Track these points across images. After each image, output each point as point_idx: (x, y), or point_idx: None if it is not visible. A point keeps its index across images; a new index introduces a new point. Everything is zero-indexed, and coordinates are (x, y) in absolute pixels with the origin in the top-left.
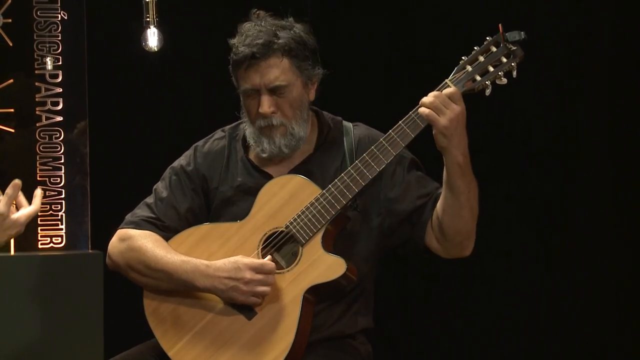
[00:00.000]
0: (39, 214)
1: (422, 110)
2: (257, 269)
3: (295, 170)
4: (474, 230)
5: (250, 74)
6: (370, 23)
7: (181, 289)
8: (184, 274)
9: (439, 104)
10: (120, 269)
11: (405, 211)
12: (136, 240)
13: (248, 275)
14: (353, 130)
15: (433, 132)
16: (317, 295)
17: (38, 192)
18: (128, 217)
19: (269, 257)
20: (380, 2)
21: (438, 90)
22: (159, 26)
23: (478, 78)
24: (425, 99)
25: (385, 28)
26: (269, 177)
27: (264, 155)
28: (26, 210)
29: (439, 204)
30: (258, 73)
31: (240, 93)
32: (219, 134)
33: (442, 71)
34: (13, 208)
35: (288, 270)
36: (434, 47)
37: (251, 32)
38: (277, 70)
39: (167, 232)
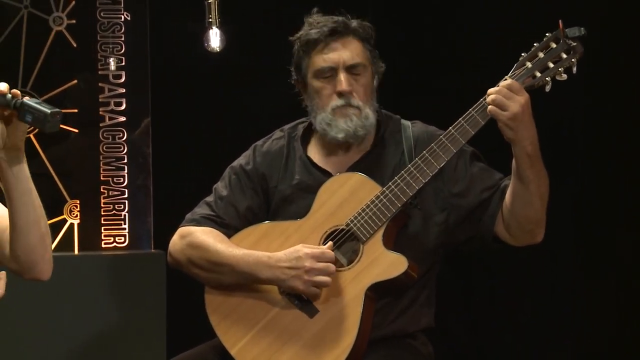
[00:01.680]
0: (102, 213)
1: (487, 107)
2: (317, 257)
3: (353, 168)
4: (544, 217)
5: (328, 52)
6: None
7: (243, 282)
8: (246, 266)
9: (501, 98)
10: (182, 266)
11: (471, 205)
12: (197, 237)
13: (309, 263)
14: (411, 127)
15: (499, 126)
16: (378, 293)
17: (2, 275)
18: (188, 215)
19: (329, 244)
20: (432, 2)
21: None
22: (221, 27)
23: (538, 74)
24: (488, 96)
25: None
26: (328, 175)
27: (340, 136)
28: None
29: (508, 194)
30: (337, 51)
31: (311, 77)
32: (277, 133)
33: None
34: None
35: (349, 268)
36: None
37: (322, 18)
38: (355, 50)
39: (226, 229)
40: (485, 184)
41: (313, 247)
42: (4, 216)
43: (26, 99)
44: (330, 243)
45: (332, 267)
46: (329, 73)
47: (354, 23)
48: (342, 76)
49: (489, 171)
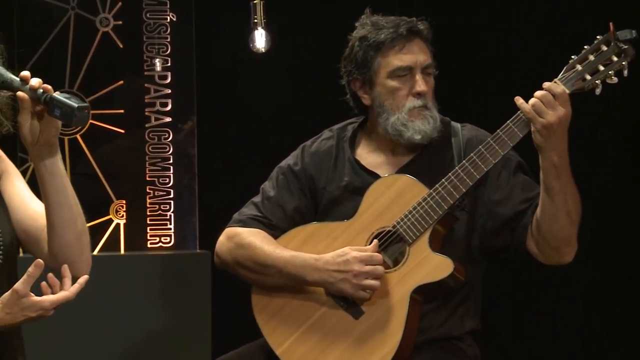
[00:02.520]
0: (148, 213)
1: (524, 106)
2: (365, 261)
3: (402, 170)
4: (573, 237)
5: (406, 52)
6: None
7: (290, 283)
8: (293, 268)
9: (542, 105)
10: (229, 267)
11: (506, 215)
12: (244, 238)
13: (357, 267)
14: (461, 130)
15: (531, 129)
16: (424, 296)
17: (82, 280)
18: (235, 216)
19: (375, 242)
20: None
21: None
22: (266, 27)
23: (588, 77)
24: (532, 98)
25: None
26: (376, 177)
27: (417, 137)
28: (53, 296)
29: (538, 207)
30: (414, 51)
31: (384, 77)
32: (326, 134)
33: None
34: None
35: (395, 270)
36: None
37: (388, 19)
38: (427, 51)
39: (274, 230)
40: (524, 196)
41: (361, 250)
42: (44, 215)
43: (56, 94)
44: (375, 241)
45: (380, 269)
46: (406, 73)
47: (420, 24)
48: (420, 77)
49: (530, 184)
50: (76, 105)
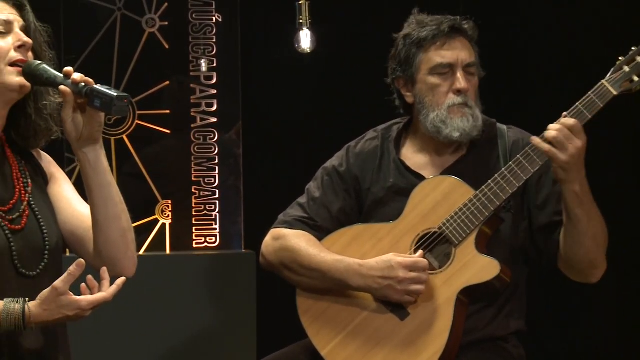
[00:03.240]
0: (194, 213)
1: (542, 145)
2: (410, 267)
3: (447, 172)
4: (599, 259)
5: (447, 49)
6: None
7: (334, 288)
8: (337, 273)
9: (562, 139)
10: (274, 268)
11: (542, 222)
12: (289, 240)
13: (401, 274)
14: (507, 132)
15: (552, 166)
16: (470, 297)
17: (120, 282)
18: (281, 217)
19: (420, 252)
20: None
21: (594, 92)
22: (312, 28)
23: (636, 79)
24: (548, 133)
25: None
26: (421, 178)
27: (456, 135)
28: (91, 296)
29: (561, 232)
30: (456, 49)
31: (424, 73)
32: (371, 134)
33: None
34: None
35: (441, 271)
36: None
37: (432, 18)
38: (470, 50)
39: (319, 231)
40: (559, 208)
41: (405, 256)
42: (90, 217)
43: (97, 85)
44: (420, 251)
45: (424, 276)
46: (446, 71)
47: (465, 23)
48: (460, 74)
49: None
50: (115, 94)
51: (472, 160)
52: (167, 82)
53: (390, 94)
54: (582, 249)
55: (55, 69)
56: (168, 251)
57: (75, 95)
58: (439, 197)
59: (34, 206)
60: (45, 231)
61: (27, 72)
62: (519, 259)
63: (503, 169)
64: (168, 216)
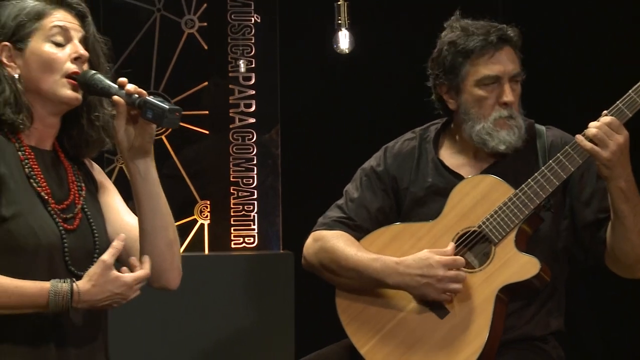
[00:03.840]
0: (232, 213)
1: (585, 143)
2: (448, 265)
3: (486, 171)
4: None
5: (495, 62)
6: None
7: (372, 286)
8: (373, 272)
9: (603, 135)
10: (315, 269)
11: (587, 219)
12: (328, 241)
13: (440, 272)
14: (546, 132)
15: (596, 163)
16: (509, 295)
17: (146, 258)
18: (320, 219)
19: (452, 245)
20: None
21: (635, 90)
22: (350, 28)
23: None
24: (589, 130)
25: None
26: (460, 178)
27: (502, 147)
28: (135, 273)
29: (608, 228)
30: (502, 60)
31: (471, 85)
32: (409, 135)
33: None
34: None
35: (481, 270)
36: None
37: (478, 25)
38: (516, 60)
39: (358, 231)
40: (603, 205)
41: (443, 254)
42: (137, 227)
43: (149, 97)
44: (453, 245)
45: (462, 274)
46: (492, 83)
47: (510, 31)
48: (507, 87)
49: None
50: (167, 107)
51: (510, 161)
52: (206, 83)
53: (429, 96)
54: (629, 245)
55: (111, 80)
56: (206, 251)
57: (128, 106)
58: (478, 196)
59: (86, 210)
60: (96, 234)
61: (82, 81)
62: (560, 258)
63: (543, 168)
64: (206, 217)
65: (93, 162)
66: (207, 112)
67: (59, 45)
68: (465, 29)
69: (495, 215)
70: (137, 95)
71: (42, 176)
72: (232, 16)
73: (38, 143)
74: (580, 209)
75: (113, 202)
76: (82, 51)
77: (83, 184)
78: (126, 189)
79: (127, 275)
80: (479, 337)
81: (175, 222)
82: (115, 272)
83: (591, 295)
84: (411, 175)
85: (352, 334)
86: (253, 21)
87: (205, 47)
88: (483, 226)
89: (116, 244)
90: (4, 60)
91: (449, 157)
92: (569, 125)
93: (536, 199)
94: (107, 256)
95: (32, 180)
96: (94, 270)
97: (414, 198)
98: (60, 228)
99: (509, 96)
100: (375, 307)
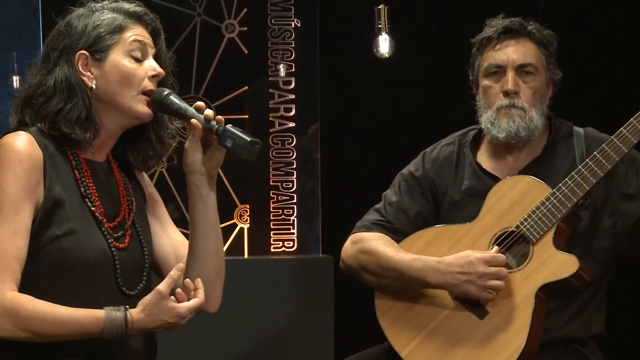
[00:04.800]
0: (272, 217)
1: None
2: (489, 262)
3: (523, 172)
4: None
5: (500, 50)
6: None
7: (413, 286)
8: (414, 271)
9: None
10: (354, 272)
11: (636, 215)
12: (367, 242)
13: (481, 268)
14: (584, 134)
15: None
16: (549, 295)
17: (200, 283)
18: (358, 223)
19: (496, 248)
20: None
21: None
22: (390, 33)
23: None
24: None
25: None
26: (497, 180)
27: (501, 136)
28: (189, 303)
29: None
30: (508, 49)
31: (481, 75)
32: (447, 140)
33: None
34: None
35: (519, 270)
36: None
37: (500, 20)
38: (528, 51)
39: (396, 234)
40: None
41: (483, 252)
42: (183, 244)
43: (229, 126)
44: (497, 248)
45: (504, 271)
46: (498, 72)
47: (531, 26)
48: (510, 75)
49: None
50: (249, 139)
51: (547, 162)
52: (246, 87)
53: (470, 100)
54: None
55: (183, 101)
56: (246, 255)
57: (204, 130)
58: (515, 196)
59: (137, 225)
60: (146, 251)
61: (157, 99)
62: (601, 259)
63: (580, 166)
64: (246, 220)
65: (144, 174)
66: (246, 116)
67: (137, 60)
68: (489, 24)
69: (533, 215)
70: (214, 122)
71: (96, 195)
72: (273, 20)
73: (94, 155)
74: (629, 207)
75: (160, 216)
76: (160, 70)
77: (133, 198)
78: (165, 194)
79: (181, 306)
80: (519, 336)
81: None
82: (169, 303)
83: (633, 299)
84: (449, 180)
85: (392, 337)
86: (293, 25)
87: (245, 52)
88: (521, 226)
89: (173, 274)
90: (80, 68)
91: (486, 160)
92: (607, 127)
93: (573, 197)
94: (163, 286)
95: (87, 200)
96: (148, 299)
97: (451, 201)
98: (112, 247)
99: (509, 84)
100: (414, 310)
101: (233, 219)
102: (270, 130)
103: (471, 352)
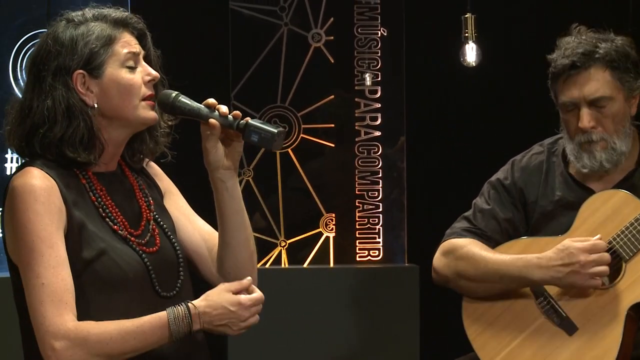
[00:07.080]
0: (357, 226)
1: None
2: (590, 250)
3: (617, 186)
4: None
5: (569, 87)
6: None
7: (515, 287)
8: (516, 270)
9: None
10: (449, 281)
11: None
12: (462, 248)
13: (582, 257)
14: None
15: None
16: None
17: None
18: (448, 231)
19: (598, 236)
20: None
21: None
22: (477, 41)
23: None
24: None
25: None
26: (591, 192)
27: (585, 170)
28: (249, 295)
29: None
30: (577, 85)
31: (559, 107)
32: (537, 148)
33: None
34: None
35: (611, 286)
36: None
37: (570, 44)
38: (598, 82)
39: (487, 241)
40: None
41: (582, 239)
42: (213, 235)
43: (249, 120)
44: (599, 235)
45: (606, 256)
46: (572, 108)
47: (602, 49)
48: (584, 112)
49: None
50: (276, 130)
51: None
52: (332, 96)
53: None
54: None
55: (192, 99)
56: (331, 264)
57: (223, 128)
58: (608, 211)
59: (161, 222)
60: (177, 248)
61: (165, 103)
62: None
63: None
64: (332, 229)
65: (154, 165)
66: (332, 125)
67: (131, 69)
68: (560, 47)
69: (627, 232)
70: (232, 117)
71: (116, 211)
72: (359, 30)
73: (106, 167)
74: None
75: (181, 208)
76: (155, 73)
77: (150, 198)
78: (251, 204)
79: (242, 296)
80: (609, 354)
81: (301, 234)
82: (231, 294)
83: None
84: (539, 189)
85: (479, 349)
86: (379, 34)
87: (332, 61)
88: (614, 242)
89: (245, 282)
90: (80, 89)
91: (579, 170)
92: None
93: None
94: (231, 285)
95: (108, 219)
96: (211, 290)
97: (542, 212)
98: (144, 257)
99: (583, 122)
100: (503, 322)
101: (319, 227)
102: (356, 140)
103: None
